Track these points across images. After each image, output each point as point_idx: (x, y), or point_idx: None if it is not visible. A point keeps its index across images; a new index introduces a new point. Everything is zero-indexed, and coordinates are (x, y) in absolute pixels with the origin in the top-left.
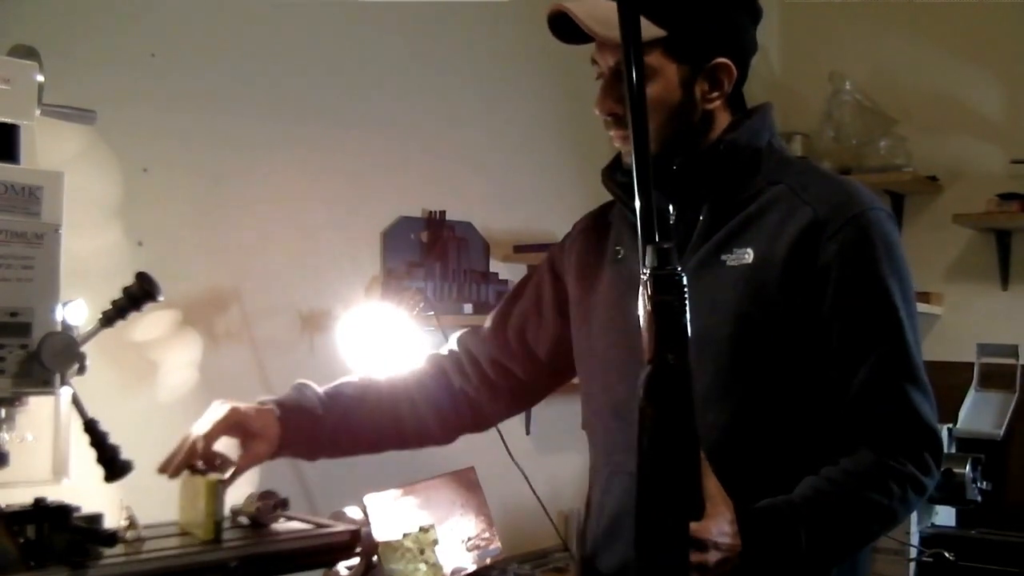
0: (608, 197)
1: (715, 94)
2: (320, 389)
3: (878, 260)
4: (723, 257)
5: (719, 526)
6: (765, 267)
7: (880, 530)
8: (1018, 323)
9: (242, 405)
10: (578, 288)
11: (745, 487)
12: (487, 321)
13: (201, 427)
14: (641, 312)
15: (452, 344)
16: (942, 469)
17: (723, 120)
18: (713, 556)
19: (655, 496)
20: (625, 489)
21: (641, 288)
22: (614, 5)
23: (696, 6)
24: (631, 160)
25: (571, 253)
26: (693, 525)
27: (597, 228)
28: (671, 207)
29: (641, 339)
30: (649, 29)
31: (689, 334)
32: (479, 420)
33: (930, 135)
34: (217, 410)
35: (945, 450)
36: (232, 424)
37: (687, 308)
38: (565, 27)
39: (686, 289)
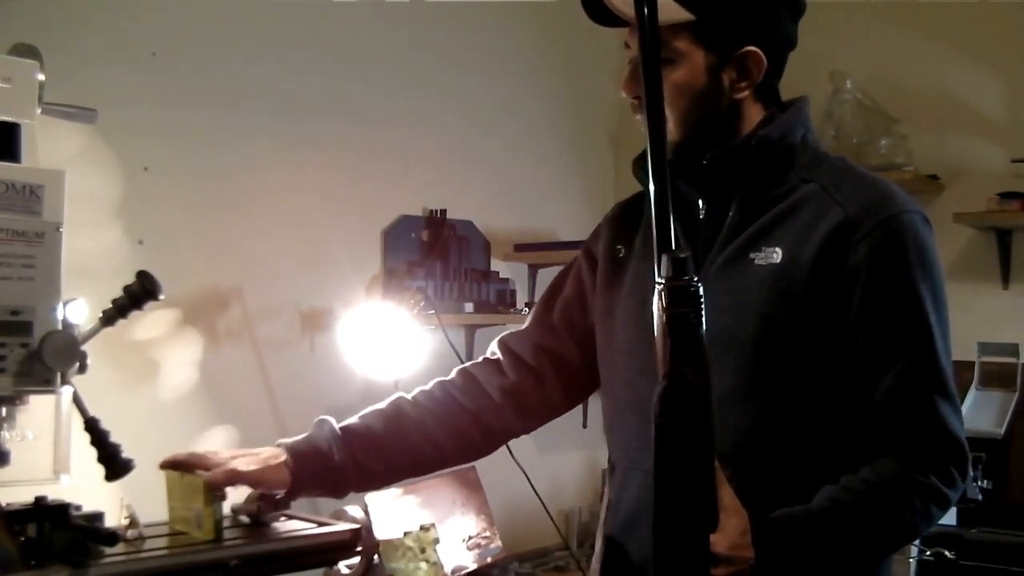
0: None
1: (744, 83)
2: (337, 426)
3: (909, 265)
4: (751, 255)
5: (732, 538)
6: (793, 267)
7: (900, 543)
8: (1019, 322)
9: (251, 466)
10: (604, 278)
11: (765, 490)
12: (528, 319)
13: (212, 467)
14: (656, 323)
15: (492, 347)
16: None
17: (754, 112)
18: (724, 570)
19: (671, 509)
20: (641, 486)
21: (655, 298)
22: None
23: None
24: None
25: (600, 241)
26: None
27: (627, 218)
28: (700, 201)
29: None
30: (677, 12)
31: (705, 345)
32: (528, 416)
33: (931, 134)
34: (229, 465)
35: None
36: (237, 481)
37: (703, 320)
38: (600, 9)
39: (702, 300)
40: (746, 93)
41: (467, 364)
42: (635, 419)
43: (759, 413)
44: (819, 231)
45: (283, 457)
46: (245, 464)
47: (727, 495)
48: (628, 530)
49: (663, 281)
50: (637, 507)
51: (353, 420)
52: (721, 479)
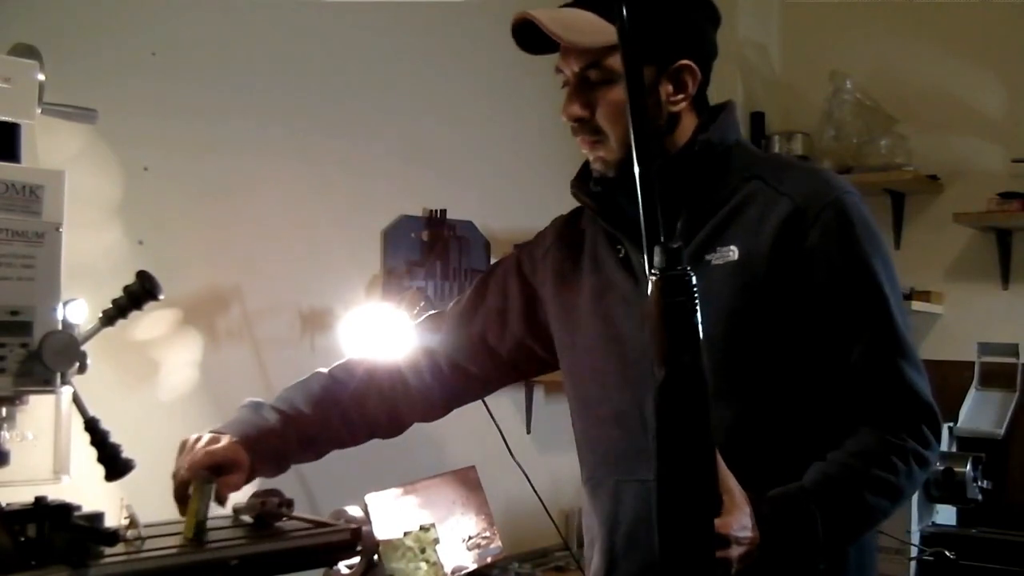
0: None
1: (680, 96)
2: (272, 404)
3: (859, 241)
4: (707, 257)
5: (739, 520)
6: (751, 262)
7: (891, 507)
8: (1018, 322)
9: (214, 445)
10: (558, 300)
11: (754, 480)
12: (448, 316)
13: (183, 468)
14: (651, 314)
15: (411, 334)
16: (943, 468)
17: (689, 123)
18: (735, 551)
19: (677, 496)
20: (637, 496)
21: (650, 289)
22: (581, 13)
23: (658, 9)
24: (601, 167)
25: (546, 263)
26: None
27: (571, 236)
28: None
29: (630, 352)
30: (611, 33)
31: (701, 334)
32: (428, 412)
33: (931, 134)
34: (193, 453)
35: (946, 449)
36: (210, 465)
37: (698, 308)
38: (529, 38)
39: (696, 289)
40: (683, 105)
41: (395, 358)
42: (620, 431)
43: (739, 407)
44: (770, 222)
45: (233, 440)
46: (212, 451)
47: (728, 478)
48: (630, 544)
49: (657, 272)
50: (637, 517)
51: (280, 401)
52: (721, 463)
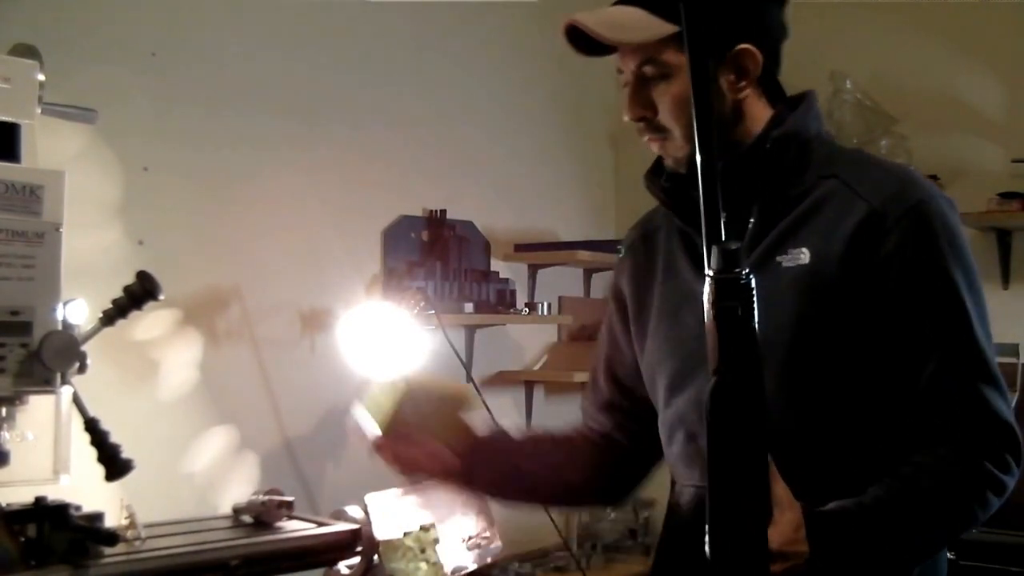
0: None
1: (743, 83)
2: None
3: (941, 251)
4: (778, 259)
5: (786, 533)
6: (823, 266)
7: (956, 532)
8: (1018, 322)
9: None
10: (635, 305)
11: (816, 491)
12: (590, 381)
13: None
14: (706, 318)
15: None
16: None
17: (758, 109)
18: (780, 564)
19: (726, 505)
20: (692, 501)
21: (706, 292)
22: (628, 11)
23: None
24: (672, 163)
25: (623, 273)
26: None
27: (645, 240)
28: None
29: (694, 351)
30: (661, 27)
31: (757, 339)
32: (631, 468)
33: (931, 134)
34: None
35: None
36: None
37: (755, 313)
38: (584, 41)
39: (754, 293)
40: (747, 92)
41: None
42: (679, 436)
43: (802, 416)
44: (845, 227)
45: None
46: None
47: (780, 489)
48: (681, 549)
49: (712, 274)
50: (689, 524)
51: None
52: (774, 473)
